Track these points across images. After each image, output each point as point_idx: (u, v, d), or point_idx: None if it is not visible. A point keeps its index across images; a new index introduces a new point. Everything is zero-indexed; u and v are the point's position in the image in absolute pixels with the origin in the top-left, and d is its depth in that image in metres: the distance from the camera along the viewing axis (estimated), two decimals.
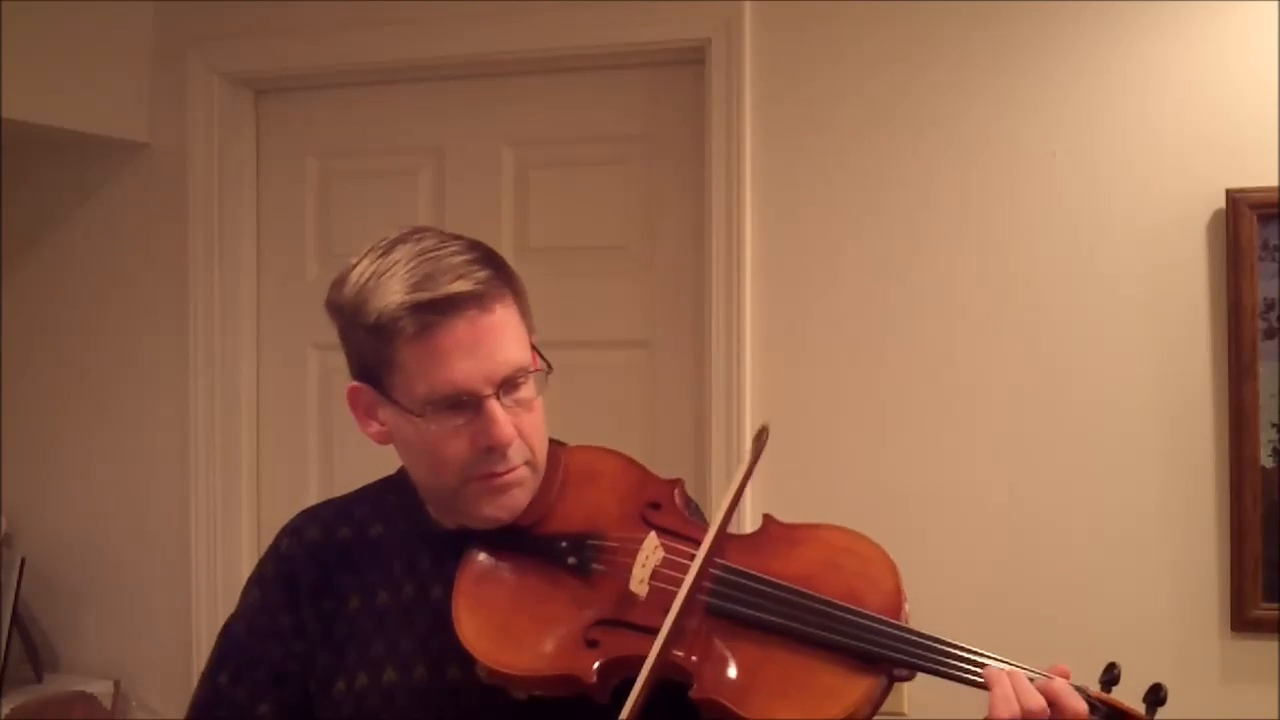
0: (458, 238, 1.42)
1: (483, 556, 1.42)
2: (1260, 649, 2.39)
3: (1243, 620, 2.39)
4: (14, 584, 2.95)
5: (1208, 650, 2.42)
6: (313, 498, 2.84)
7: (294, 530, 1.52)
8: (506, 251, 3.04)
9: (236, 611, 1.52)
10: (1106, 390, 2.48)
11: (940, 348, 2.57)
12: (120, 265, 3.12)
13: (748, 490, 1.40)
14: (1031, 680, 1.28)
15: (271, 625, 1.47)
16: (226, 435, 3.06)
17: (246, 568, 2.94)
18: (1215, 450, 2.42)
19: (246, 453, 3.09)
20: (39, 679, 3.04)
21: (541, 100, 2.92)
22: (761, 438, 1.39)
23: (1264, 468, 2.38)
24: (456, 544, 1.43)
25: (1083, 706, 1.27)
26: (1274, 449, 2.38)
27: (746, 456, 1.39)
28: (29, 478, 3.17)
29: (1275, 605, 2.37)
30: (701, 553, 1.34)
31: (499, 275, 1.39)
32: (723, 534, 1.37)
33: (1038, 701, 1.26)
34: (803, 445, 2.64)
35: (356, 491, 1.57)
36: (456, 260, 1.37)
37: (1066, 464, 2.50)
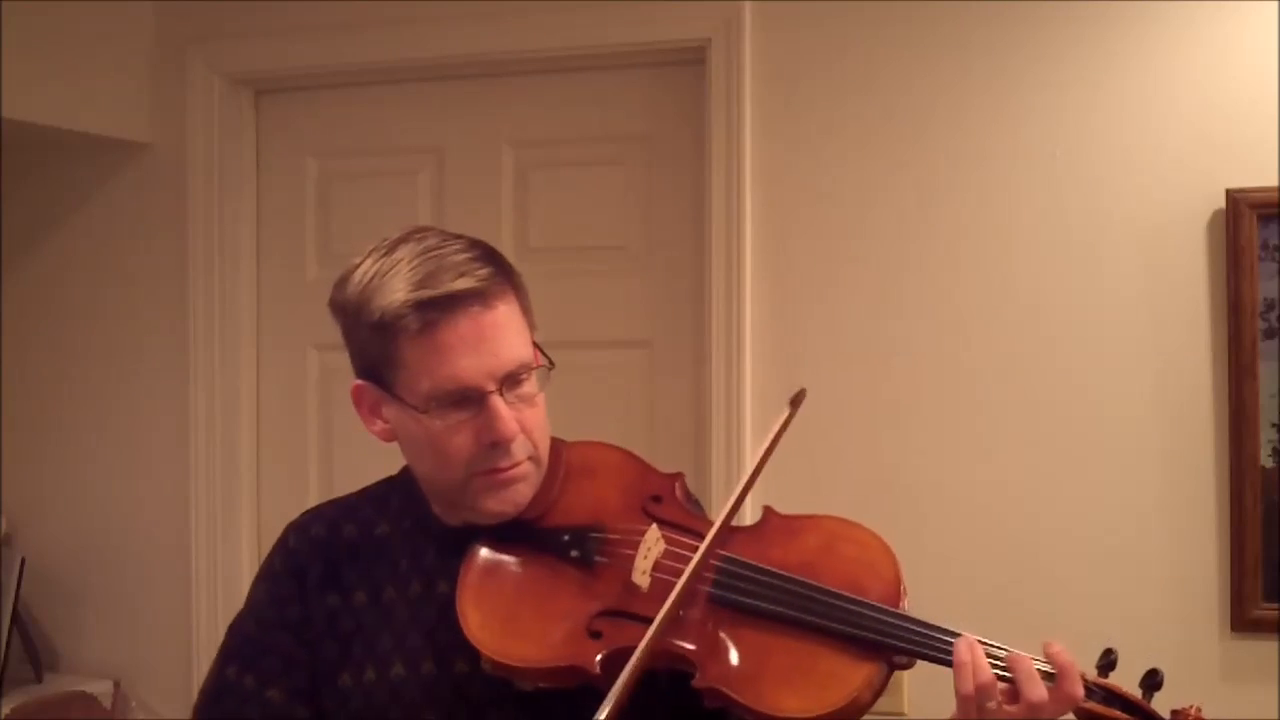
0: (459, 237, 1.44)
1: (487, 551, 1.43)
2: (1260, 649, 2.39)
3: (1243, 620, 2.39)
4: (14, 584, 2.95)
5: (1208, 650, 2.42)
6: (313, 498, 2.85)
7: (300, 527, 1.54)
8: (507, 251, 3.02)
9: (244, 609, 1.53)
10: (1106, 390, 2.48)
11: (940, 348, 2.57)
12: (120, 265, 3.12)
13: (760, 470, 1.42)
14: (999, 658, 1.32)
15: (279, 616, 1.48)
16: (226, 435, 3.06)
17: (247, 567, 2.98)
18: (1215, 450, 2.42)
19: (246, 453, 3.09)
20: (39, 679, 3.03)
21: (541, 100, 2.92)
22: (798, 401, 1.42)
23: (1264, 468, 2.38)
24: (461, 540, 1.44)
25: (1041, 691, 1.30)
26: (1274, 449, 2.38)
27: (781, 416, 1.42)
28: (29, 478, 3.17)
29: (1275, 605, 2.37)
30: (714, 529, 1.36)
31: (500, 272, 1.42)
32: (739, 505, 1.39)
33: (987, 676, 1.30)
34: (802, 445, 2.64)
35: (360, 492, 1.57)
36: (459, 258, 1.39)
37: (1066, 464, 2.50)
